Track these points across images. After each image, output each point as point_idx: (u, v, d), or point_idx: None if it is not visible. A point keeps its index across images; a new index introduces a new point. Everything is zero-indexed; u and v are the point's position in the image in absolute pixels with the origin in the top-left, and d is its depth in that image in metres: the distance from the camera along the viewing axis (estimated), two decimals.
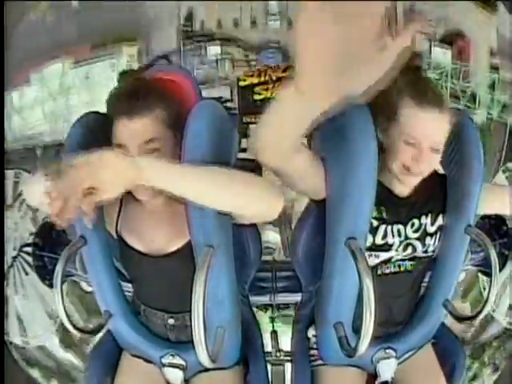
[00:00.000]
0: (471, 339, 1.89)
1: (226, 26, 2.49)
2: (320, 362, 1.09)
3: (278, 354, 1.65)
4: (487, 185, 1.01)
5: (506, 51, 2.32)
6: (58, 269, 0.89)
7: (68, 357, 1.84)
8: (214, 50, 2.57)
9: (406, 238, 0.98)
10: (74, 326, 0.93)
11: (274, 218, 0.83)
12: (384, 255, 0.97)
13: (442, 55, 2.36)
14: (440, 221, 1.00)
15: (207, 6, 2.50)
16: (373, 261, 0.96)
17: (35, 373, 1.77)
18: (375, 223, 0.95)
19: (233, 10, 2.47)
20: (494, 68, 2.39)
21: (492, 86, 2.36)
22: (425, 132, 0.86)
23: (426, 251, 1.00)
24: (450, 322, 1.12)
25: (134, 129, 0.86)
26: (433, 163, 0.90)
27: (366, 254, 0.93)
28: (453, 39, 2.45)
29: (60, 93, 2.21)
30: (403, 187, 0.97)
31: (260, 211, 0.83)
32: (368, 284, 0.80)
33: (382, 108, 0.87)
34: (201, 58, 2.57)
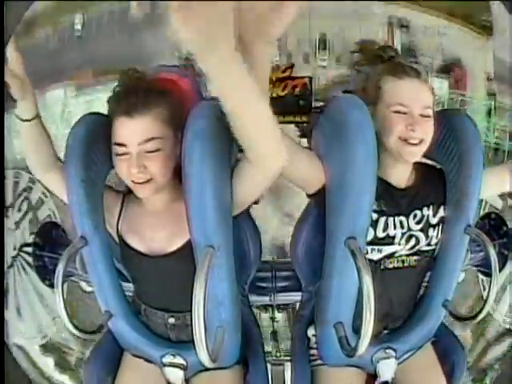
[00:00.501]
0: (473, 363, 1.89)
1: None
2: (320, 361, 1.08)
3: (277, 354, 1.65)
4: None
5: (503, 75, 2.33)
6: (59, 269, 0.89)
7: (63, 380, 1.83)
8: None
9: (409, 229, 0.98)
10: (75, 326, 0.93)
11: (275, 171, 0.80)
12: (387, 249, 0.97)
13: (439, 85, 2.39)
14: (441, 212, 1.01)
15: None
16: (376, 255, 0.96)
17: None
18: (375, 216, 0.95)
19: None
20: (491, 94, 2.40)
21: (489, 113, 2.38)
22: (410, 96, 0.91)
23: (429, 244, 1.00)
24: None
25: (134, 127, 0.87)
26: (427, 129, 0.92)
27: (369, 248, 0.95)
28: (450, 68, 2.49)
29: (61, 120, 2.24)
30: (402, 175, 0.98)
31: (270, 152, 0.77)
32: (368, 283, 0.80)
33: (367, 95, 0.92)
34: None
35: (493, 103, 2.37)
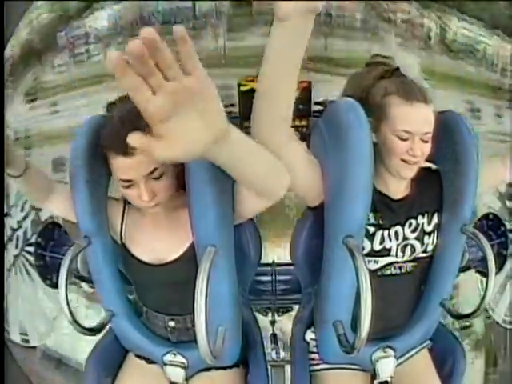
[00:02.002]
0: None
1: None
2: (320, 366, 1.09)
3: (277, 356, 1.65)
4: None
5: None
6: (63, 267, 0.90)
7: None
8: None
9: (405, 238, 0.99)
10: (78, 324, 0.93)
11: (279, 197, 0.81)
12: (383, 260, 0.98)
13: None
14: (435, 219, 1.02)
15: None
16: (372, 266, 0.97)
17: None
18: (372, 229, 0.96)
19: None
20: None
21: None
22: (416, 125, 0.91)
23: (425, 251, 1.01)
24: None
25: (135, 165, 0.83)
26: (425, 152, 0.93)
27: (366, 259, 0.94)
28: None
29: None
30: (398, 185, 0.99)
31: (276, 184, 0.79)
32: (365, 281, 0.81)
33: (371, 109, 0.91)
34: None
35: None
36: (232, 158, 0.62)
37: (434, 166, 1.05)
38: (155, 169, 0.84)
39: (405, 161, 0.92)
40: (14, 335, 1.72)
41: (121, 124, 0.81)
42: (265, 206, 0.86)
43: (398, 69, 0.98)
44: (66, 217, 1.00)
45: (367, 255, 0.96)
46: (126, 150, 0.81)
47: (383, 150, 0.94)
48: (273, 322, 1.73)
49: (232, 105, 2.49)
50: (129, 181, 0.85)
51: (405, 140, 0.91)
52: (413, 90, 0.91)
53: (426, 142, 0.92)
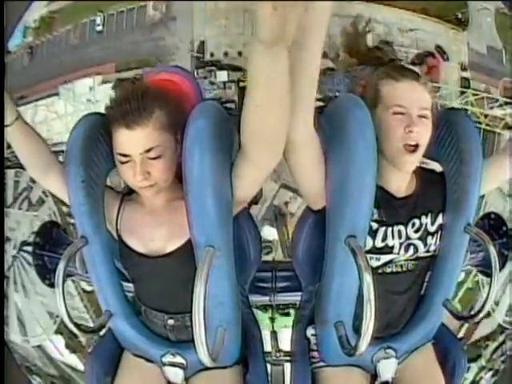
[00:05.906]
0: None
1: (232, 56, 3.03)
2: (321, 363, 1.08)
3: (277, 354, 1.65)
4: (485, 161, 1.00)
5: (477, 64, 2.46)
6: (60, 268, 0.90)
7: (71, 361, 1.84)
8: (222, 75, 3.10)
9: (407, 238, 0.98)
10: (76, 325, 0.93)
11: (271, 168, 0.85)
12: (385, 258, 0.97)
13: None
14: (440, 220, 1.01)
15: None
16: (374, 263, 0.96)
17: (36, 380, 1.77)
18: (375, 226, 0.95)
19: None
20: (466, 81, 2.51)
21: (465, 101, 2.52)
22: (408, 97, 0.91)
23: (427, 251, 1.00)
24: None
25: (134, 139, 0.87)
26: (424, 132, 0.92)
27: (367, 256, 0.94)
28: (423, 59, 2.64)
29: (87, 108, 2.32)
30: (401, 182, 0.98)
31: (269, 151, 0.83)
32: (368, 281, 0.80)
33: (366, 99, 0.91)
34: (211, 81, 3.12)
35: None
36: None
37: (438, 169, 1.03)
38: (152, 148, 0.88)
39: (403, 144, 0.91)
40: (14, 335, 1.73)
41: (128, 99, 0.88)
42: (259, 181, 0.90)
43: (392, 60, 0.99)
44: (63, 197, 0.99)
45: (369, 252, 0.95)
46: (129, 123, 0.86)
47: (381, 137, 0.91)
48: (272, 319, 1.73)
49: (232, 101, 2.49)
50: (126, 155, 0.89)
51: (400, 115, 0.90)
52: (402, 70, 0.94)
53: (425, 118, 0.91)
